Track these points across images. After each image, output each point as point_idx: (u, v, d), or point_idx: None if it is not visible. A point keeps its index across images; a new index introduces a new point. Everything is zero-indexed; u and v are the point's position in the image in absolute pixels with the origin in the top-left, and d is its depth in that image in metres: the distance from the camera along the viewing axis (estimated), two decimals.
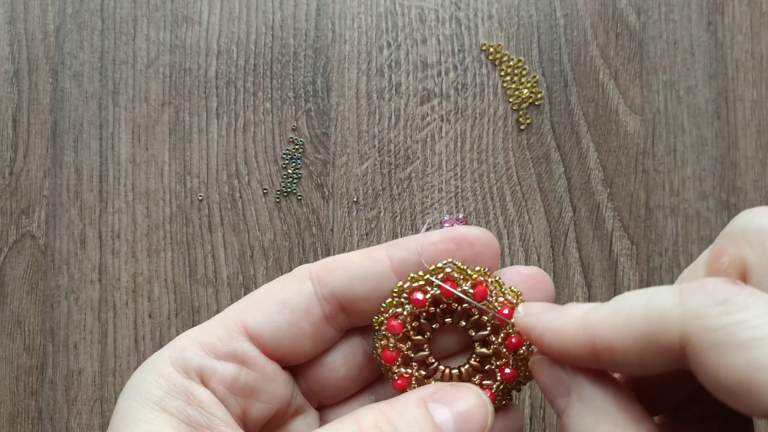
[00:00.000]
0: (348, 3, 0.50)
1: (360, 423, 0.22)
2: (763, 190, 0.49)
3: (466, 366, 0.27)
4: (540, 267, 0.48)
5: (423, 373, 0.27)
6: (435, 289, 0.26)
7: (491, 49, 0.49)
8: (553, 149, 0.49)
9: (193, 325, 0.26)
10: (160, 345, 0.46)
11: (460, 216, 0.49)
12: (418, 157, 0.49)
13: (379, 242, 0.48)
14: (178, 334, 0.26)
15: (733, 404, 0.18)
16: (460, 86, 0.49)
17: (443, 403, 0.24)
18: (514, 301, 0.26)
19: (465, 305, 0.26)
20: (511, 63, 0.49)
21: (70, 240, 0.48)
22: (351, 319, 0.27)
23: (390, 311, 0.26)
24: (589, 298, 0.48)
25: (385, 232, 0.48)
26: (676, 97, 0.49)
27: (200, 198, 0.48)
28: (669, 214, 0.49)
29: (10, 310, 0.47)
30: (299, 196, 0.48)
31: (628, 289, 0.48)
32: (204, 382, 0.25)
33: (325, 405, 0.29)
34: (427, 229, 0.26)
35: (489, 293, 0.26)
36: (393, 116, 0.49)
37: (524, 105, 0.49)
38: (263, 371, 0.26)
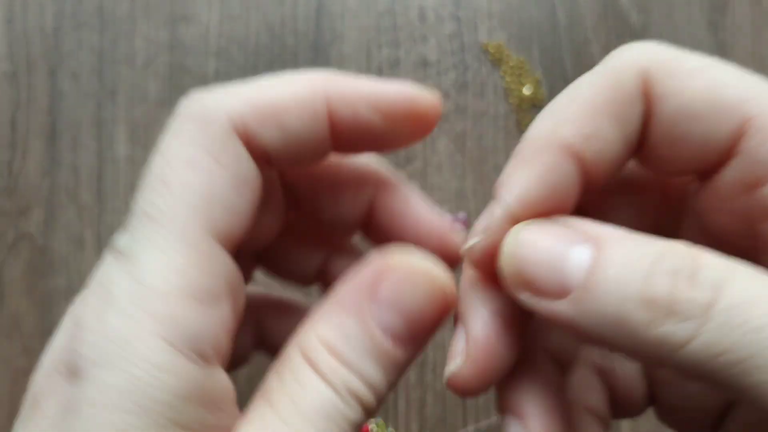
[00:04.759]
0: (348, 2, 0.49)
1: (306, 355, 0.17)
2: None
3: None
4: None
5: None
6: None
7: (492, 49, 0.49)
8: None
9: None
10: None
11: (461, 216, 0.48)
12: (418, 157, 0.49)
13: None
14: None
15: (696, 136, 0.17)
16: (460, 86, 0.49)
17: (388, 305, 0.18)
18: None
19: None
20: (512, 62, 0.49)
21: (69, 241, 0.47)
22: None
23: None
24: None
25: None
26: None
27: None
28: None
29: (8, 312, 0.47)
30: None
31: None
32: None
33: None
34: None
35: None
36: None
37: (525, 105, 0.49)
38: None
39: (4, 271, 0.47)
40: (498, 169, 0.49)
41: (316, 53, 0.49)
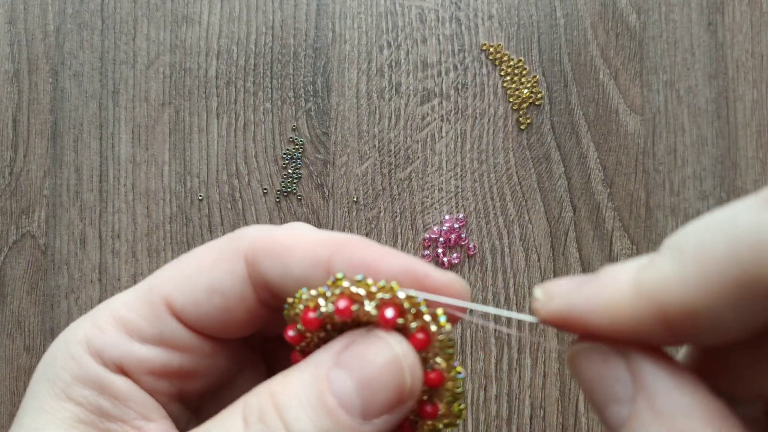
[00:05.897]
0: (348, 3, 0.50)
1: (245, 414, 0.19)
2: None
3: None
4: (540, 267, 0.48)
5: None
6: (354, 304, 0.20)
7: (491, 49, 0.49)
8: (553, 149, 0.49)
9: None
10: None
11: (461, 216, 0.49)
12: (418, 157, 0.49)
13: (379, 242, 0.48)
14: None
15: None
16: (460, 86, 0.49)
17: (347, 369, 0.19)
18: (421, 323, 0.19)
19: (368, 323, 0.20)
20: (512, 63, 0.49)
21: (70, 240, 0.48)
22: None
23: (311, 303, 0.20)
24: None
25: (385, 231, 0.48)
26: (677, 97, 0.49)
27: (200, 198, 0.48)
28: (669, 214, 0.49)
29: (10, 310, 0.47)
30: (299, 196, 0.48)
31: None
32: (125, 371, 0.21)
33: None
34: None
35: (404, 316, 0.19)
36: (393, 116, 0.49)
37: (524, 105, 0.49)
38: (199, 351, 0.22)
39: (6, 269, 0.48)
40: (498, 169, 0.49)
41: (316, 53, 0.49)
